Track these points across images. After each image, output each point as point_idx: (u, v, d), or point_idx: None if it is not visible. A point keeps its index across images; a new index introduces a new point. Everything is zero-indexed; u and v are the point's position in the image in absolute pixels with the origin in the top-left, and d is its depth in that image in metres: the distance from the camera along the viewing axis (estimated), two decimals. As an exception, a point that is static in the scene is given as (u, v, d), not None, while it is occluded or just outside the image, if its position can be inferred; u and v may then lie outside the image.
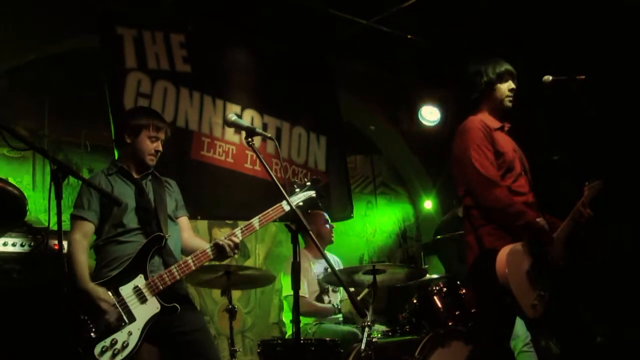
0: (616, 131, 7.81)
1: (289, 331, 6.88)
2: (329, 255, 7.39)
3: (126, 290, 4.50)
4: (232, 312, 6.26)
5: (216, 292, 6.82)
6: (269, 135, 4.44)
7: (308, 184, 4.83)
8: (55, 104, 7.40)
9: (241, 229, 4.69)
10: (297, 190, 4.78)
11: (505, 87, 4.94)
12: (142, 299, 4.50)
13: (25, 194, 5.54)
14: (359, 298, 6.52)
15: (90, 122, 7.49)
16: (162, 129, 4.95)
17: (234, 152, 7.73)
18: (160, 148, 4.95)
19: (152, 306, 4.52)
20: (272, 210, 4.65)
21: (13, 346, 4.97)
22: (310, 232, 4.00)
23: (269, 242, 9.03)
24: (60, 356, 4.99)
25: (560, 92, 4.94)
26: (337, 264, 7.41)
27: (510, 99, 4.96)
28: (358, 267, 6.53)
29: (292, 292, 6.73)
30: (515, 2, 7.70)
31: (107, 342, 4.34)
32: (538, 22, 8.01)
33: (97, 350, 4.30)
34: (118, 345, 4.35)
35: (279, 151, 5.00)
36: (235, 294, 7.19)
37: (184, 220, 5.11)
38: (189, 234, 5.09)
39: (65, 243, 5.36)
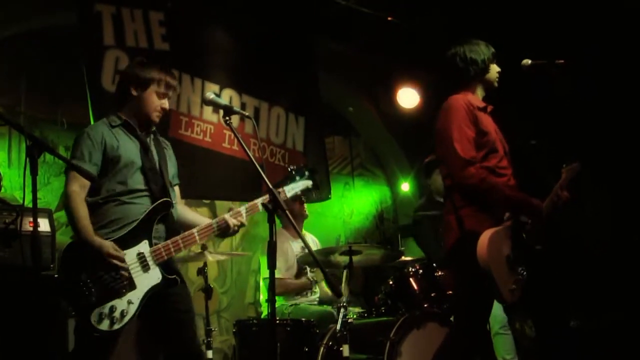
0: (593, 115, 7.85)
1: (265, 311, 6.90)
2: (308, 235, 7.41)
3: (130, 256, 4.27)
4: (208, 292, 6.27)
5: (192, 272, 6.82)
6: (247, 114, 4.41)
7: (306, 172, 4.79)
8: (32, 81, 7.34)
9: (246, 208, 4.58)
10: (297, 178, 4.74)
11: (495, 70, 4.95)
12: (145, 267, 4.30)
13: (1, 171, 5.51)
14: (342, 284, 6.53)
15: (67, 99, 7.44)
16: (172, 86, 4.68)
17: (212, 131, 7.70)
18: (167, 106, 4.67)
19: (154, 276, 4.32)
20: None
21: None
22: (288, 212, 3.99)
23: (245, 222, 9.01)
24: (36, 337, 4.99)
25: (539, 76, 4.95)
26: (315, 244, 7.43)
27: (497, 79, 4.99)
28: (334, 247, 6.54)
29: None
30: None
31: (105, 308, 4.12)
32: (518, 5, 8.00)
33: (95, 317, 4.09)
34: (116, 314, 4.14)
35: (257, 131, 4.96)
36: (212, 273, 7.19)
37: (177, 189, 4.84)
38: (181, 205, 4.84)
39: (40, 221, 5.36)
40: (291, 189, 4.71)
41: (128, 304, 4.20)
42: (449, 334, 5.39)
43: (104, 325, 4.12)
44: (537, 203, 4.65)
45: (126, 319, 4.18)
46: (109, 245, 4.19)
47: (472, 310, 4.69)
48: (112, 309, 4.14)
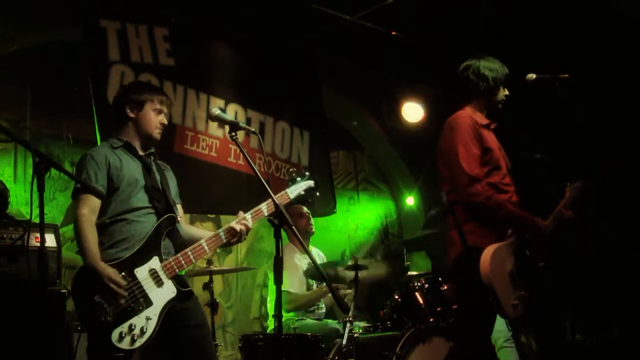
0: (598, 130, 7.85)
1: (271, 326, 6.89)
2: (313, 249, 7.40)
3: (142, 273, 4.30)
4: (213, 307, 6.27)
5: (197, 286, 6.81)
6: (253, 129, 4.43)
7: (307, 173, 4.81)
8: (37, 96, 7.36)
9: (251, 213, 4.58)
10: (298, 179, 4.76)
11: (503, 92, 4.97)
12: (159, 282, 4.32)
13: (7, 187, 5.51)
14: (345, 298, 6.53)
15: (72, 114, 7.45)
16: (165, 102, 4.76)
17: (218, 146, 7.71)
18: (165, 121, 4.75)
19: (169, 290, 4.35)
20: (278, 197, 4.46)
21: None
22: (294, 228, 4.00)
23: (250, 237, 8.96)
24: (41, 351, 4.98)
25: (544, 90, 4.96)
26: (321, 258, 7.43)
27: (504, 102, 4.99)
28: (340, 262, 6.53)
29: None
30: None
31: (124, 327, 4.14)
32: (523, 19, 8.03)
33: (115, 336, 4.10)
34: (136, 331, 4.16)
35: (262, 146, 4.94)
36: (217, 288, 7.20)
37: (179, 208, 4.87)
38: (185, 223, 4.87)
39: (46, 236, 5.35)
40: (294, 190, 4.73)
41: (146, 320, 4.22)
42: (452, 348, 5.40)
43: (125, 344, 4.13)
44: (539, 223, 4.67)
45: (146, 335, 4.19)
46: (109, 271, 4.19)
47: (475, 324, 4.70)
48: (132, 327, 4.16)
